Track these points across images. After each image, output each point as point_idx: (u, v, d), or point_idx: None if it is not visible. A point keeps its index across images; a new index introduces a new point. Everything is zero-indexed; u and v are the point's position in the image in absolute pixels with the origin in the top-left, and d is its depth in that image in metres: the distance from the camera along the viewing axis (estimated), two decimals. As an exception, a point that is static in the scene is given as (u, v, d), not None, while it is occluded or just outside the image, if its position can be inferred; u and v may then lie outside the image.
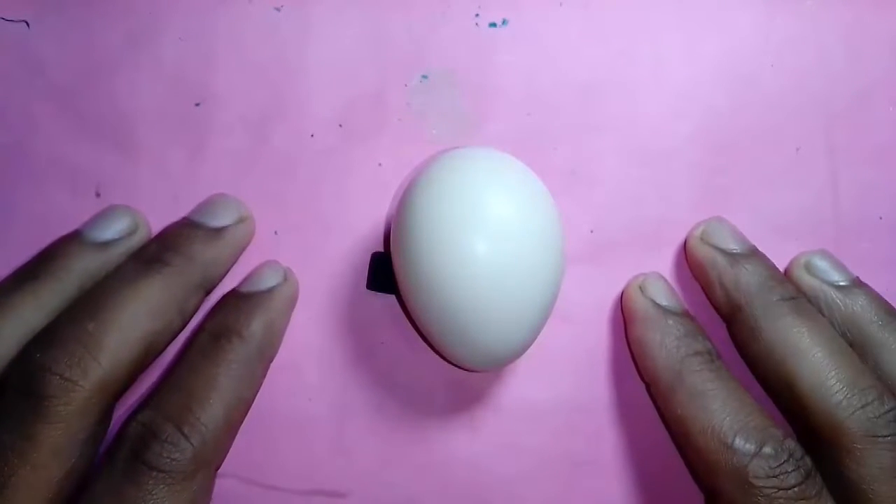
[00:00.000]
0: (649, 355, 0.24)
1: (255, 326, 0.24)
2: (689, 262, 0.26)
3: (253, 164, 0.26)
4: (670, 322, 0.24)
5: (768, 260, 0.25)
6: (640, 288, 0.25)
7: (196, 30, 0.27)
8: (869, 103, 0.27)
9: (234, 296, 0.25)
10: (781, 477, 0.21)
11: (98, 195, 0.26)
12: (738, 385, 0.23)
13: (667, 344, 0.24)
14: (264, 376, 0.24)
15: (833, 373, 0.22)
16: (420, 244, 0.22)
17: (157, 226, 0.26)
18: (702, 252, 0.26)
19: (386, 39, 0.27)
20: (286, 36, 0.27)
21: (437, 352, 0.25)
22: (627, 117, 0.27)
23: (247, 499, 0.25)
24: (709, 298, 0.26)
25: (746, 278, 0.25)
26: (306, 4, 0.27)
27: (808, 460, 0.22)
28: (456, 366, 0.25)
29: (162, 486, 0.21)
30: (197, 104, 0.27)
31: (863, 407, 0.22)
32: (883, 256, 0.27)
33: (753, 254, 0.25)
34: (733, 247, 0.25)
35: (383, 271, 0.26)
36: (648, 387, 0.25)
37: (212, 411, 0.22)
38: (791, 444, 0.22)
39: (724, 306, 0.25)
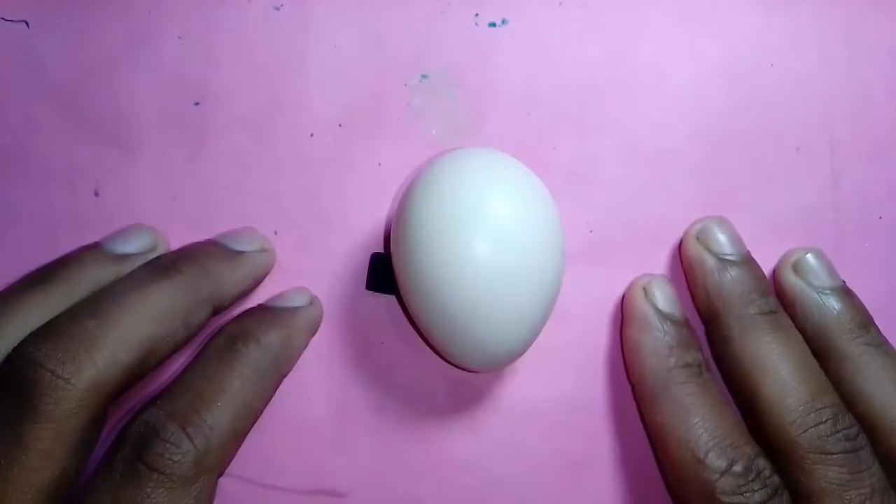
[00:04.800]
0: (639, 359, 0.24)
1: (274, 337, 0.24)
2: (682, 258, 0.26)
3: (253, 164, 0.26)
4: (666, 329, 0.24)
5: (758, 269, 0.25)
6: (644, 289, 0.25)
7: (196, 29, 0.27)
8: (869, 103, 0.27)
9: (258, 308, 0.25)
10: (746, 495, 0.21)
11: (97, 194, 0.26)
12: (722, 400, 0.24)
13: (658, 351, 0.24)
14: (274, 391, 0.24)
15: (794, 390, 0.23)
16: (420, 245, 0.22)
17: (157, 225, 0.26)
18: (693, 251, 0.26)
19: (386, 39, 0.27)
20: (286, 35, 0.27)
21: (437, 352, 0.25)
22: (627, 117, 0.27)
23: (247, 499, 0.25)
24: (692, 298, 0.26)
25: (729, 286, 0.25)
26: (306, 4, 0.27)
27: (775, 479, 0.22)
28: (456, 366, 0.25)
29: (161, 490, 0.20)
30: (196, 103, 0.27)
31: (816, 426, 0.22)
32: (883, 256, 0.27)
33: (744, 262, 0.25)
34: (726, 251, 0.25)
35: (383, 271, 0.26)
36: (633, 388, 0.25)
37: (219, 415, 0.22)
38: (761, 462, 0.22)
39: (704, 310, 0.26)
